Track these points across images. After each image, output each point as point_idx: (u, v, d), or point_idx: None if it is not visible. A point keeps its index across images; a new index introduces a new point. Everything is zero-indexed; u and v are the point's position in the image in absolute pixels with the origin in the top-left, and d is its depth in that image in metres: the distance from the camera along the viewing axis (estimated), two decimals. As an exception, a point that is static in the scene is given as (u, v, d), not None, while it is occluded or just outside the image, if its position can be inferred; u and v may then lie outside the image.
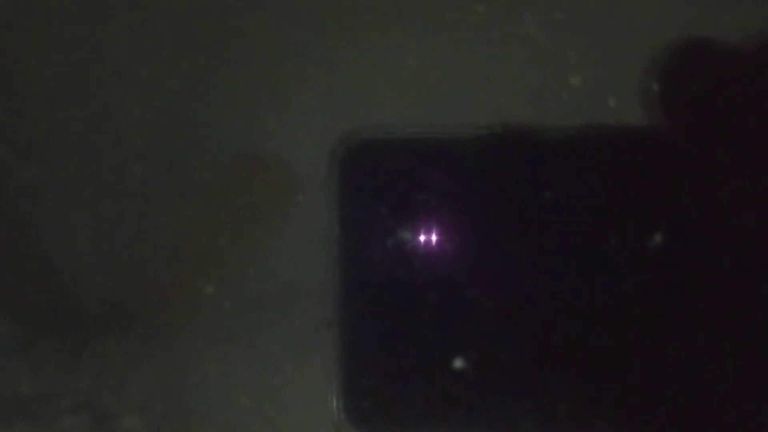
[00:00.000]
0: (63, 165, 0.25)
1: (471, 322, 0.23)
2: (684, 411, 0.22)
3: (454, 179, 0.23)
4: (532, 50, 0.24)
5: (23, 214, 0.25)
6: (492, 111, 0.23)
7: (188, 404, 0.25)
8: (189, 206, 0.25)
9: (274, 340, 0.24)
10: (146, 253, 0.25)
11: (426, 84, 0.24)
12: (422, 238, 0.23)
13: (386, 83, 0.24)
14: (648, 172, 0.23)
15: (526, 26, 0.24)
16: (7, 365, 0.25)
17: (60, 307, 0.25)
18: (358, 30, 0.24)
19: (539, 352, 0.23)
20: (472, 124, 0.23)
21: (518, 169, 0.23)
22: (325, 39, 0.24)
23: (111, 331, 0.25)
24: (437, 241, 0.23)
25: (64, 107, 0.25)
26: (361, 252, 0.23)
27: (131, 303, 0.25)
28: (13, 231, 0.25)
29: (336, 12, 0.24)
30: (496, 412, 0.23)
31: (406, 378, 0.23)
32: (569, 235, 0.23)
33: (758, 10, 0.23)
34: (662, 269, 0.23)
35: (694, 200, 0.23)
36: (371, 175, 0.23)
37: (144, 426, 0.25)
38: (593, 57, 0.23)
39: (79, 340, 0.25)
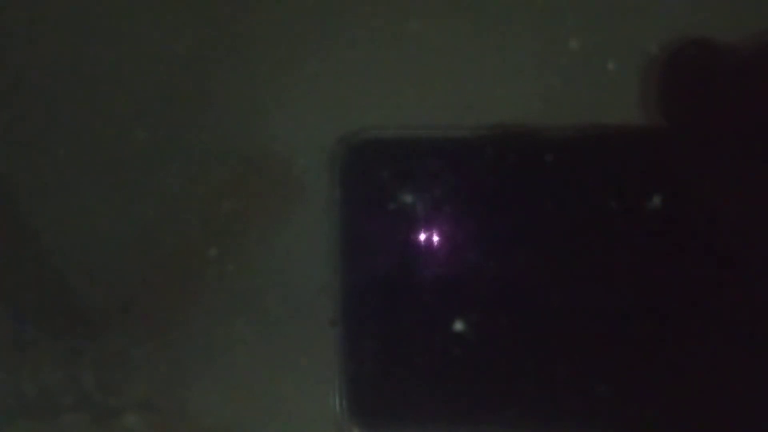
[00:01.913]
0: (63, 132, 0.25)
1: (476, 312, 0.23)
2: (684, 374, 0.23)
3: (455, 178, 0.23)
4: (531, 13, 0.24)
5: (21, 188, 0.25)
6: (489, 83, 0.24)
7: (188, 402, 0.25)
8: (191, 172, 0.25)
9: (281, 328, 0.24)
10: (149, 218, 0.25)
11: (426, 83, 0.24)
12: (423, 236, 0.23)
13: (386, 83, 0.24)
14: (647, 170, 0.23)
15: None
16: (7, 362, 0.25)
17: (61, 292, 0.25)
18: (358, 29, 0.24)
19: (539, 316, 0.23)
20: (472, 125, 0.23)
21: (517, 165, 0.23)
22: (326, 38, 0.24)
23: (114, 316, 0.25)
24: (438, 239, 0.23)
25: (62, 79, 0.25)
26: (362, 251, 0.24)
27: (135, 272, 0.25)
28: (12, 204, 0.25)
29: (336, 11, 0.24)
30: (501, 392, 0.23)
31: (407, 375, 0.23)
32: (568, 200, 0.23)
33: (758, 10, 0.23)
34: (662, 231, 0.23)
35: (687, 188, 0.23)
36: (371, 175, 0.23)
37: (144, 424, 0.25)
38: (592, 20, 0.23)
39: (80, 334, 0.25)
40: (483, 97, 0.24)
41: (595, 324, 0.23)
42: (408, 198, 0.23)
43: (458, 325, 0.23)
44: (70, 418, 0.25)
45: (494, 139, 0.23)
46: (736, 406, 0.23)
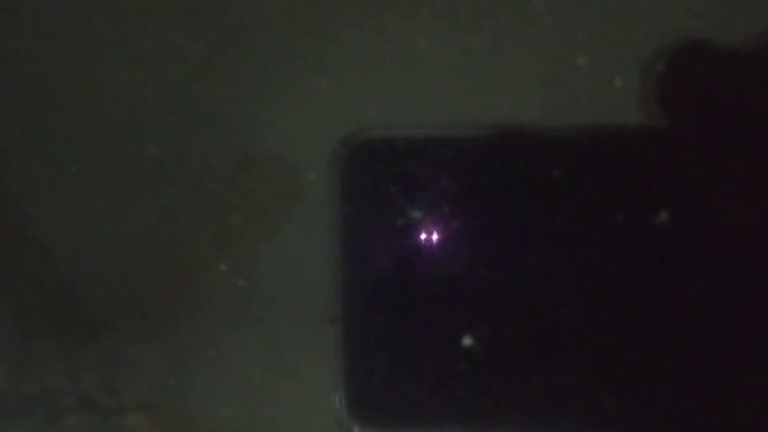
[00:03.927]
0: (75, 146, 0.25)
1: (475, 312, 0.23)
2: (691, 386, 0.23)
3: (455, 177, 0.24)
4: (539, 30, 0.24)
5: (34, 201, 0.25)
6: (497, 98, 0.24)
7: (191, 402, 0.25)
8: (202, 186, 0.25)
9: (282, 328, 0.24)
10: (159, 232, 0.25)
11: (427, 83, 0.24)
12: (424, 235, 0.23)
13: (388, 83, 0.24)
14: (647, 171, 0.23)
15: (534, 7, 0.24)
16: (10, 363, 0.25)
17: (65, 295, 0.25)
18: (359, 30, 0.24)
19: (547, 329, 0.23)
20: (472, 124, 0.23)
21: (519, 167, 0.23)
22: (327, 39, 0.24)
23: (116, 318, 0.25)
24: (439, 238, 0.23)
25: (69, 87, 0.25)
26: (363, 250, 0.24)
27: (138, 277, 0.25)
28: (24, 216, 0.25)
29: (337, 12, 0.24)
30: (501, 391, 0.23)
31: (407, 375, 0.23)
32: (574, 213, 0.23)
33: (758, 10, 0.23)
34: (669, 241, 0.23)
35: (693, 200, 0.23)
36: (373, 175, 0.24)
37: (147, 424, 0.25)
38: (600, 37, 0.24)
39: (83, 334, 0.25)
40: (490, 114, 0.24)
41: (600, 333, 0.23)
42: (409, 199, 0.24)
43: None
44: (71, 419, 0.25)
45: (499, 144, 0.23)
46: (745, 419, 0.23)
